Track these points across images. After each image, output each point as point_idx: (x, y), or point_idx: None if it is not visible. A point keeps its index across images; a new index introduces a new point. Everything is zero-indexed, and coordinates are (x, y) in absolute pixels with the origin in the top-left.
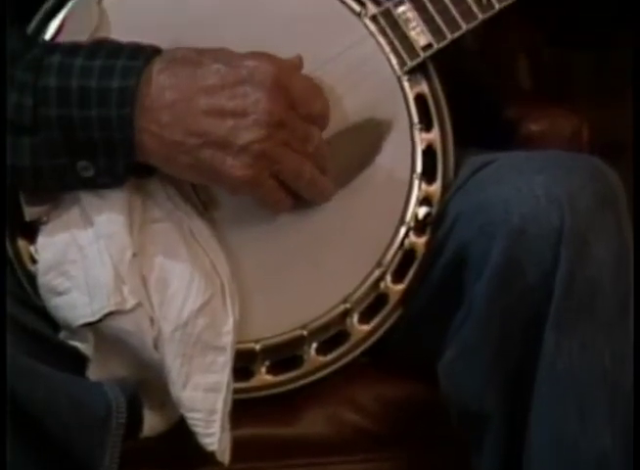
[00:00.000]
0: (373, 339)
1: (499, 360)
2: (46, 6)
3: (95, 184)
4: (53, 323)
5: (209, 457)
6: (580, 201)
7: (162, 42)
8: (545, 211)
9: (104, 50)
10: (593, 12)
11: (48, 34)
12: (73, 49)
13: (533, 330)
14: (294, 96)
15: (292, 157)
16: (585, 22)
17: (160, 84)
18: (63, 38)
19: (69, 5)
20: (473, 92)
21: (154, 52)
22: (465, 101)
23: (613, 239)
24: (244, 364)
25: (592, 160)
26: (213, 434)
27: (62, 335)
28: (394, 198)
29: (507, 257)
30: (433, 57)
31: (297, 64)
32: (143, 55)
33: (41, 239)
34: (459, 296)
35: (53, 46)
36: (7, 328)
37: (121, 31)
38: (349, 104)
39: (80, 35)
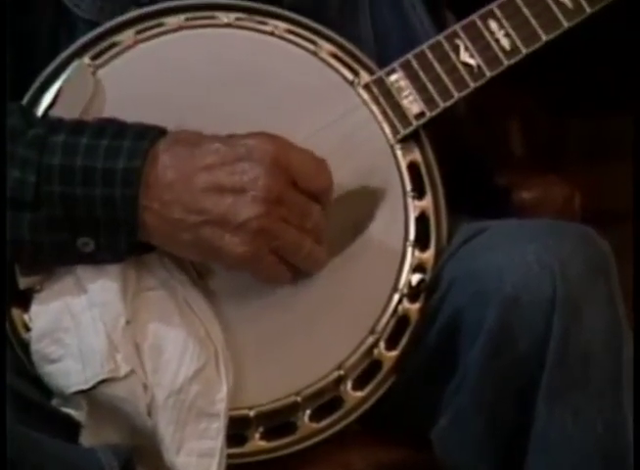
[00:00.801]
0: (367, 405)
1: (493, 428)
2: (42, 76)
3: (94, 260)
4: (46, 390)
5: None
6: (572, 269)
7: (158, 112)
8: (537, 278)
9: (109, 130)
10: (590, 80)
11: (44, 104)
12: (79, 128)
13: (526, 398)
14: (293, 173)
15: (290, 233)
16: (582, 91)
17: (163, 164)
18: (59, 108)
19: (65, 75)
20: (465, 160)
21: (159, 133)
22: (458, 168)
23: (605, 307)
24: (238, 430)
25: (583, 228)
26: None
27: (54, 402)
28: (388, 265)
29: (500, 324)
30: (425, 124)
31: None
32: (149, 136)
33: (35, 307)
34: (453, 362)
35: (57, 125)
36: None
37: (117, 101)
38: (343, 172)
39: (76, 105)
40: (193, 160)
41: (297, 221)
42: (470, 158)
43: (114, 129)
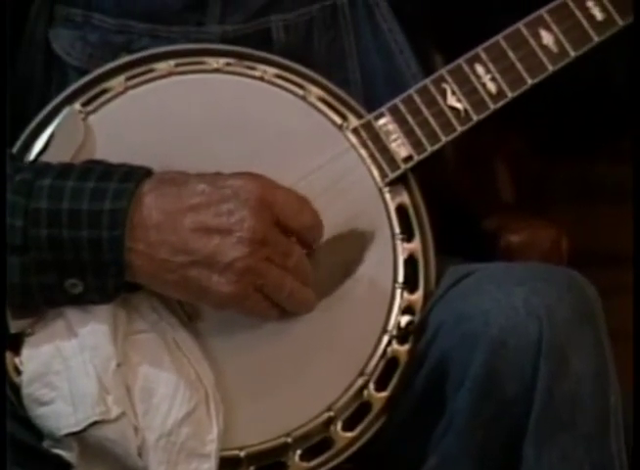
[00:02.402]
0: (357, 446)
1: None
2: (33, 122)
3: (82, 301)
4: (37, 432)
5: None
6: (558, 313)
7: (147, 158)
8: (524, 323)
9: (95, 172)
10: (576, 123)
11: (35, 150)
12: (64, 171)
13: (514, 442)
14: (278, 213)
15: (274, 271)
16: (568, 133)
17: (148, 204)
18: (50, 154)
19: (56, 122)
20: (453, 203)
21: (144, 174)
22: (446, 211)
23: (591, 353)
24: None
25: (570, 273)
26: None
27: (45, 444)
28: (377, 307)
29: (487, 369)
30: (413, 167)
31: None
32: (134, 177)
33: (26, 351)
34: (441, 405)
35: (43, 169)
36: None
37: (107, 147)
38: (332, 215)
39: (66, 151)
40: (179, 200)
41: (280, 260)
42: (457, 200)
43: (99, 171)
